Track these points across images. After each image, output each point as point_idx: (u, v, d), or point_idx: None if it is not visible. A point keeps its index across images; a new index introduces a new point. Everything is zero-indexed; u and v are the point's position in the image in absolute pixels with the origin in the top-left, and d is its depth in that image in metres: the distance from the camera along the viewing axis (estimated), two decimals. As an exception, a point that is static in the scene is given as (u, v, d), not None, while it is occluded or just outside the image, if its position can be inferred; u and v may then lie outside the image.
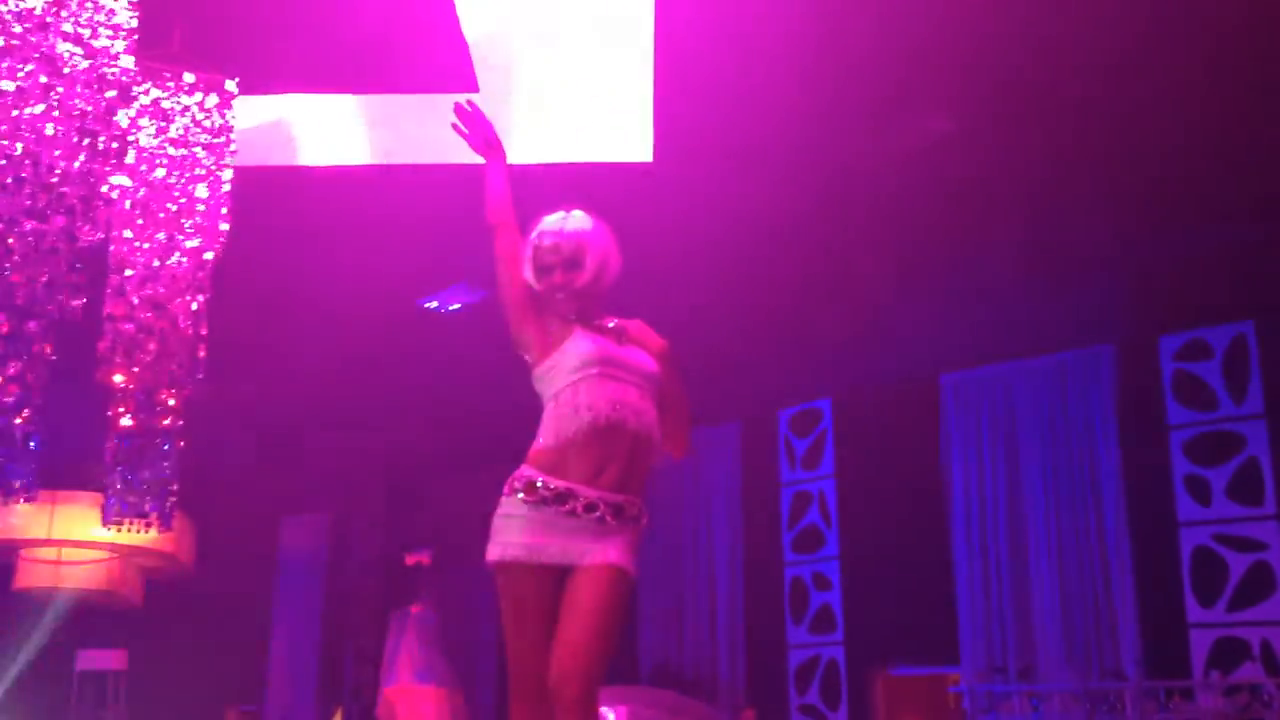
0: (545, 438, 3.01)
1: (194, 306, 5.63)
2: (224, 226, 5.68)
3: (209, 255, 5.65)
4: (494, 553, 2.96)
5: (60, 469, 8.39)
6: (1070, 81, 7.11)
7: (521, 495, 2.94)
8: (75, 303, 4.34)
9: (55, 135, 4.26)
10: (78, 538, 10.15)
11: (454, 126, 3.39)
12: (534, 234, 3.31)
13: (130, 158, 5.45)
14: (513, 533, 2.94)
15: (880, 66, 6.92)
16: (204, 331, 5.69)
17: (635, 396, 3.05)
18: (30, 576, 11.21)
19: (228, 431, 11.93)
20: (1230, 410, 9.99)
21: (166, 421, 5.55)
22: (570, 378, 3.06)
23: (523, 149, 6.80)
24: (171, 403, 5.55)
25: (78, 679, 10.54)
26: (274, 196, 7.34)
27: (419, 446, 13.54)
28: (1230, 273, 9.42)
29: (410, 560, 12.24)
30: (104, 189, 4.73)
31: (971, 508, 11.25)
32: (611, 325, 3.23)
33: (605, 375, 3.06)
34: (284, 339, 10.58)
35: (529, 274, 3.25)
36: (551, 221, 3.30)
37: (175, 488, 5.73)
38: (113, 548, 10.79)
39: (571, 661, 2.81)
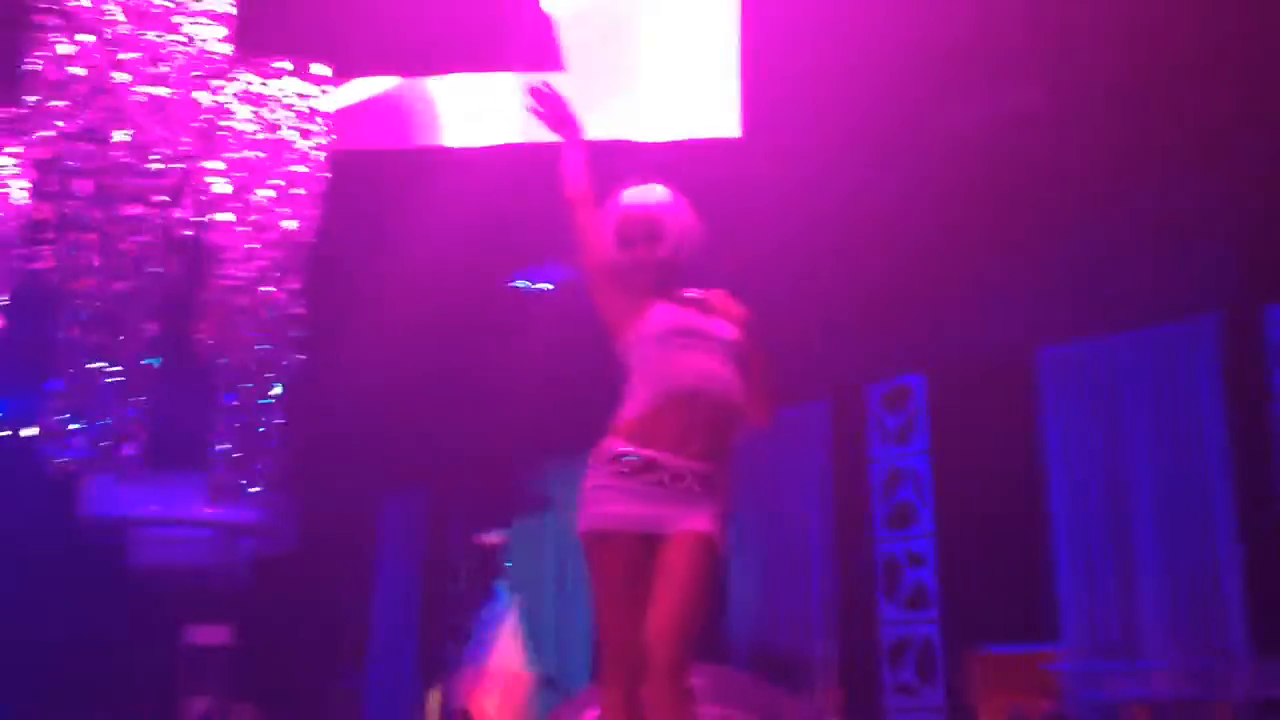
0: (630, 408, 3.02)
1: (291, 287, 5.75)
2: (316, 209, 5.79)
3: (298, 231, 5.75)
4: (583, 524, 2.98)
5: (167, 447, 8.65)
6: (1170, 50, 6.92)
7: (609, 466, 2.95)
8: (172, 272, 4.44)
9: (155, 120, 4.38)
10: (185, 515, 10.48)
11: (529, 108, 3.42)
12: (616, 206, 3.33)
13: (228, 142, 5.58)
14: (601, 503, 2.95)
15: (976, 37, 6.82)
16: (300, 311, 5.81)
17: (717, 365, 3.06)
18: (141, 553, 11.61)
19: (330, 411, 12.19)
20: (1338, 380, 9.66)
21: (266, 400, 5.69)
22: (652, 348, 3.07)
23: (611, 125, 6.83)
24: (272, 382, 5.69)
25: (185, 653, 10.88)
26: (369, 179, 7.48)
27: (517, 426, 13.69)
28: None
29: (484, 542, 12.29)
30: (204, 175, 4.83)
31: (1072, 483, 11.03)
32: (692, 296, 3.23)
33: (686, 345, 3.07)
34: (383, 320, 10.75)
35: (611, 247, 3.27)
36: (633, 194, 3.32)
37: (275, 465, 5.87)
38: (218, 525, 11.12)
39: (666, 628, 2.83)
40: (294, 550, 13.32)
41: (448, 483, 15.85)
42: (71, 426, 4.85)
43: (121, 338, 4.90)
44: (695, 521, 2.96)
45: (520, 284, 10.81)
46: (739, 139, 6.99)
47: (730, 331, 3.19)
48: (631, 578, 2.94)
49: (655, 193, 3.32)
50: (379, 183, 7.74)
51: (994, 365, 11.46)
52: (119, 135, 4.74)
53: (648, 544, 2.95)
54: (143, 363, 4.70)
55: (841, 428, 12.96)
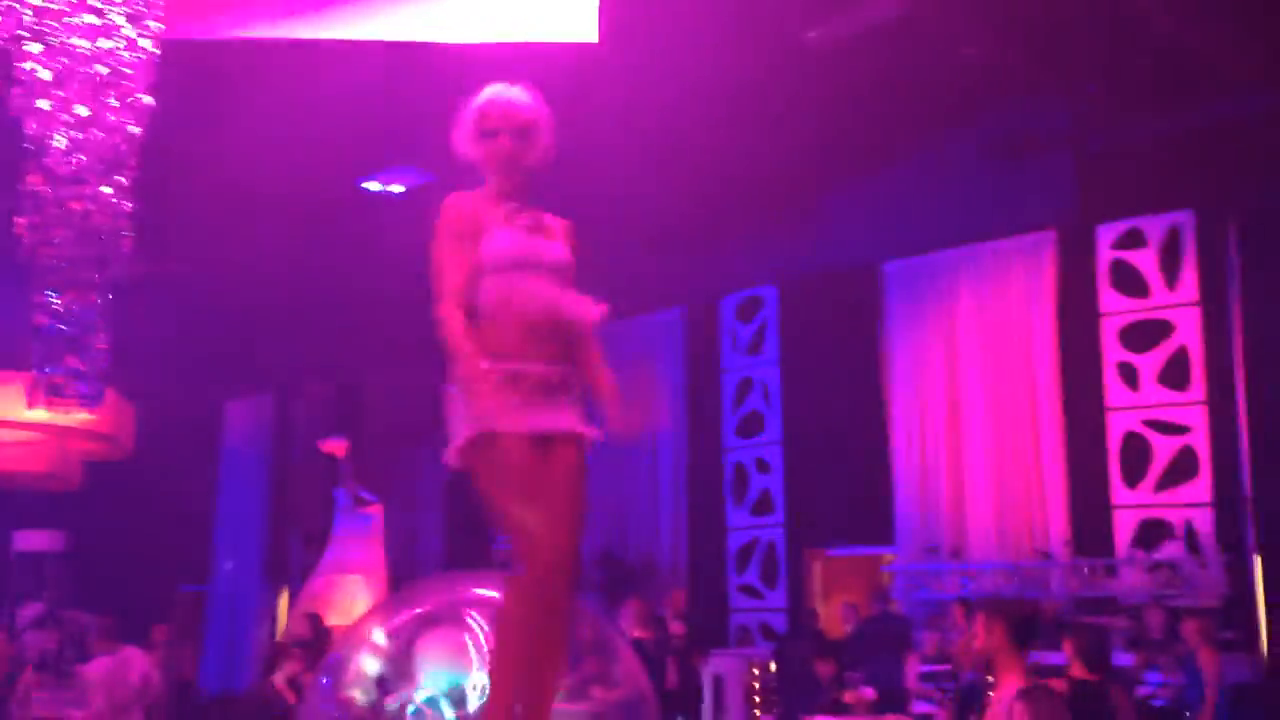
0: (484, 331, 2.99)
1: (119, 181, 5.47)
2: (147, 99, 5.49)
3: (134, 129, 5.47)
4: (469, 429, 2.94)
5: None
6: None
7: (482, 382, 2.93)
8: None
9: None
10: (9, 418, 9.99)
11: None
12: (480, 100, 3.19)
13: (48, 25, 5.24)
14: (483, 410, 2.93)
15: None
16: (129, 208, 5.54)
17: (557, 290, 3.06)
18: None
19: (167, 314, 11.76)
20: (1163, 298, 10.15)
21: (93, 301, 5.44)
22: (498, 278, 3.03)
23: (468, 28, 6.64)
24: (97, 281, 5.44)
25: (15, 560, 10.50)
26: (209, 71, 7.14)
27: (362, 332, 13.45)
28: (1170, 162, 9.49)
29: (325, 447, 12.08)
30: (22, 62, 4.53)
31: (911, 393, 11.42)
32: (526, 216, 3.16)
33: (529, 274, 3.05)
34: (225, 221, 10.38)
35: (468, 143, 3.14)
36: (501, 89, 3.19)
37: (103, 368, 5.64)
38: (46, 429, 10.65)
39: (571, 533, 2.95)
40: (132, 455, 12.88)
41: (294, 388, 15.54)
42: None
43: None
44: (571, 423, 3.05)
45: (371, 186, 10.51)
46: (597, 45, 6.85)
47: (565, 254, 3.16)
48: (525, 472, 2.98)
49: (524, 94, 3.20)
50: (220, 75, 7.39)
51: (841, 278, 11.71)
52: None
53: (531, 444, 2.99)
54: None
55: (695, 338, 13.11)
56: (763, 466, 12.43)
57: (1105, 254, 10.44)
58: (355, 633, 4.63)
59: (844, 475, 11.61)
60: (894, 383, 11.54)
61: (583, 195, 10.21)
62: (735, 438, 12.67)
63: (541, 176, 3.20)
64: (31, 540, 10.23)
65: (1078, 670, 5.27)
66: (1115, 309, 10.36)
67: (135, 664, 7.82)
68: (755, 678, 9.80)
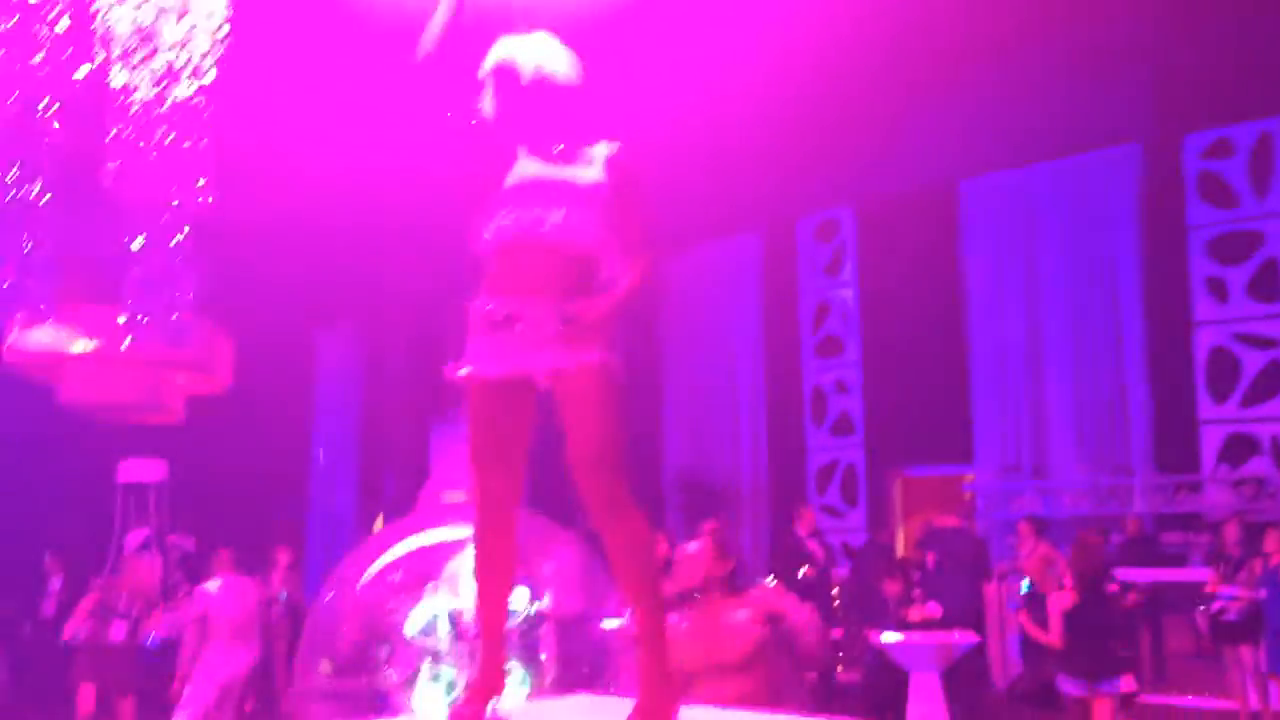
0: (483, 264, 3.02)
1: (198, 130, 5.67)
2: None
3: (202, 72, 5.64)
4: (456, 372, 3.00)
5: (91, 288, 8.57)
6: None
7: (476, 321, 2.97)
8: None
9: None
10: (116, 352, 10.42)
11: None
12: (492, 54, 3.20)
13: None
14: (471, 355, 2.98)
15: None
16: (206, 144, 5.72)
17: (551, 213, 2.96)
18: (71, 390, 11.55)
19: (255, 248, 12.07)
20: (1252, 209, 9.88)
21: (178, 238, 5.68)
22: (495, 205, 3.02)
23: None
24: (180, 222, 5.66)
25: (121, 490, 10.99)
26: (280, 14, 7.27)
27: (450, 260, 13.63)
28: (1257, 69, 9.18)
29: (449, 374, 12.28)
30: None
31: (989, 311, 11.32)
32: (557, 148, 3.09)
33: (522, 198, 2.99)
34: (312, 159, 10.57)
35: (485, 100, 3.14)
36: (504, 43, 3.16)
37: (189, 304, 5.89)
38: (147, 361, 11.08)
39: (585, 464, 2.89)
40: (230, 387, 13.33)
41: (383, 317, 15.86)
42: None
43: (28, 183, 4.84)
44: (573, 357, 2.94)
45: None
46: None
47: (584, 177, 3.08)
48: (502, 425, 3.02)
49: (525, 44, 3.15)
50: (297, 23, 7.52)
51: (918, 198, 11.58)
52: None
53: (521, 389, 3.00)
54: (41, 201, 4.66)
55: (772, 260, 13.10)
56: (841, 388, 12.45)
57: (1192, 165, 10.18)
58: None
59: (923, 395, 11.58)
60: (972, 301, 11.44)
61: (653, 124, 10.27)
62: (814, 359, 12.70)
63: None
64: (136, 470, 10.70)
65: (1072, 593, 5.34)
66: (1203, 221, 10.12)
67: (252, 591, 8.21)
68: (834, 597, 9.92)
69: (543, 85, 3.07)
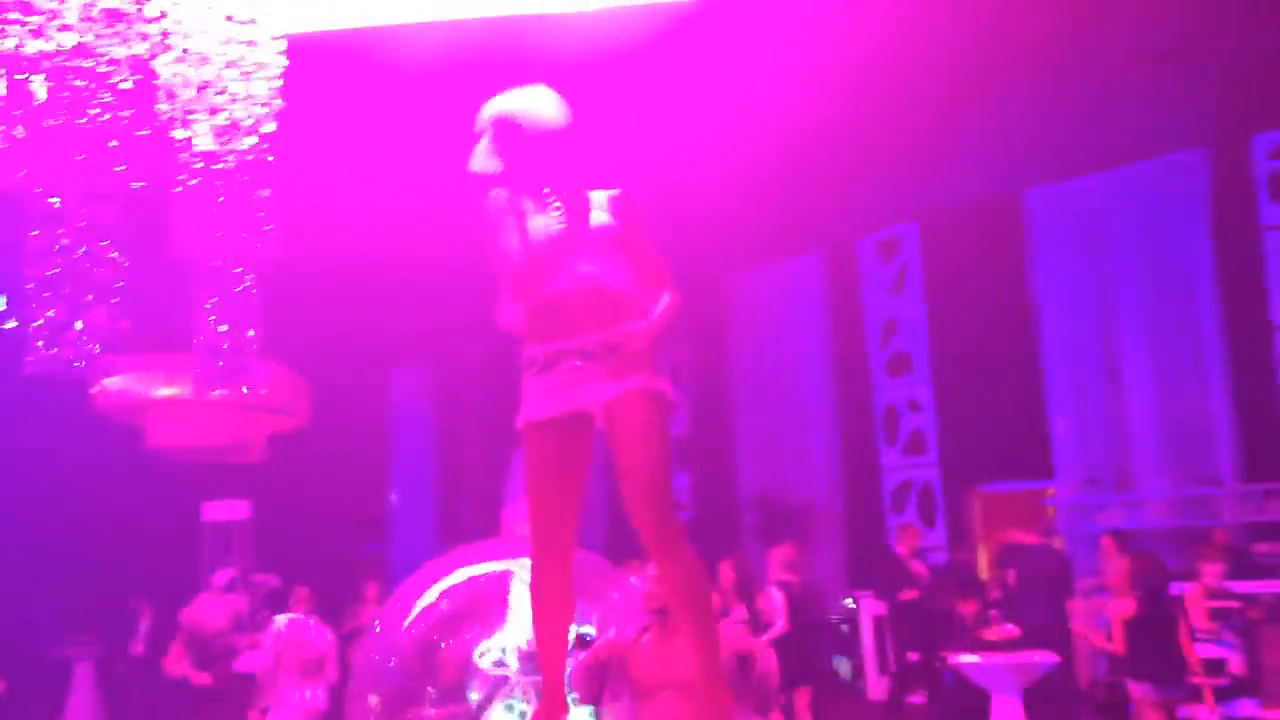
0: (524, 315, 3.10)
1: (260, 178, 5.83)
2: (275, 101, 5.81)
3: (262, 122, 5.79)
4: (518, 421, 3.08)
5: (171, 336, 8.82)
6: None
7: (527, 370, 3.06)
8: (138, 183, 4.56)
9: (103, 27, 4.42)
10: (195, 398, 10.74)
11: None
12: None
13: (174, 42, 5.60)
14: (529, 400, 3.05)
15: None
16: (267, 199, 5.89)
17: (578, 266, 3.03)
18: (157, 434, 11.93)
19: (331, 291, 12.32)
20: (1327, 207, 9.66)
21: (242, 285, 5.84)
22: (525, 262, 3.06)
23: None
24: (246, 271, 5.83)
25: (206, 530, 11.27)
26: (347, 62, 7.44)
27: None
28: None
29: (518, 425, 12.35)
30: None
31: (1062, 322, 11.16)
32: (554, 203, 3.13)
33: (551, 256, 3.05)
34: (379, 199, 10.78)
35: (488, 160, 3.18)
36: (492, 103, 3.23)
37: (255, 349, 6.05)
38: (227, 405, 11.38)
39: (637, 494, 2.95)
40: (308, 425, 13.63)
41: (453, 354, 16.08)
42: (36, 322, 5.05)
43: (100, 238, 5.03)
44: (621, 385, 3.01)
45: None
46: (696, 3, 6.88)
47: (599, 223, 3.13)
48: (559, 464, 3.07)
49: (506, 101, 3.21)
50: (349, 67, 7.69)
51: (983, 209, 11.46)
52: (73, 39, 4.77)
53: (576, 427, 3.06)
54: (111, 255, 4.85)
55: (836, 280, 13.05)
56: (913, 405, 12.34)
57: (1263, 165, 9.97)
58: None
59: (997, 410, 11.42)
60: (1044, 312, 11.28)
61: (710, 147, 10.29)
62: (883, 378, 12.60)
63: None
64: (219, 511, 10.98)
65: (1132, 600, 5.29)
66: (1276, 221, 9.90)
67: (322, 630, 8.11)
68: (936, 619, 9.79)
69: (543, 135, 3.12)
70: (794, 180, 11.48)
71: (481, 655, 4.58)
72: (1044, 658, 7.03)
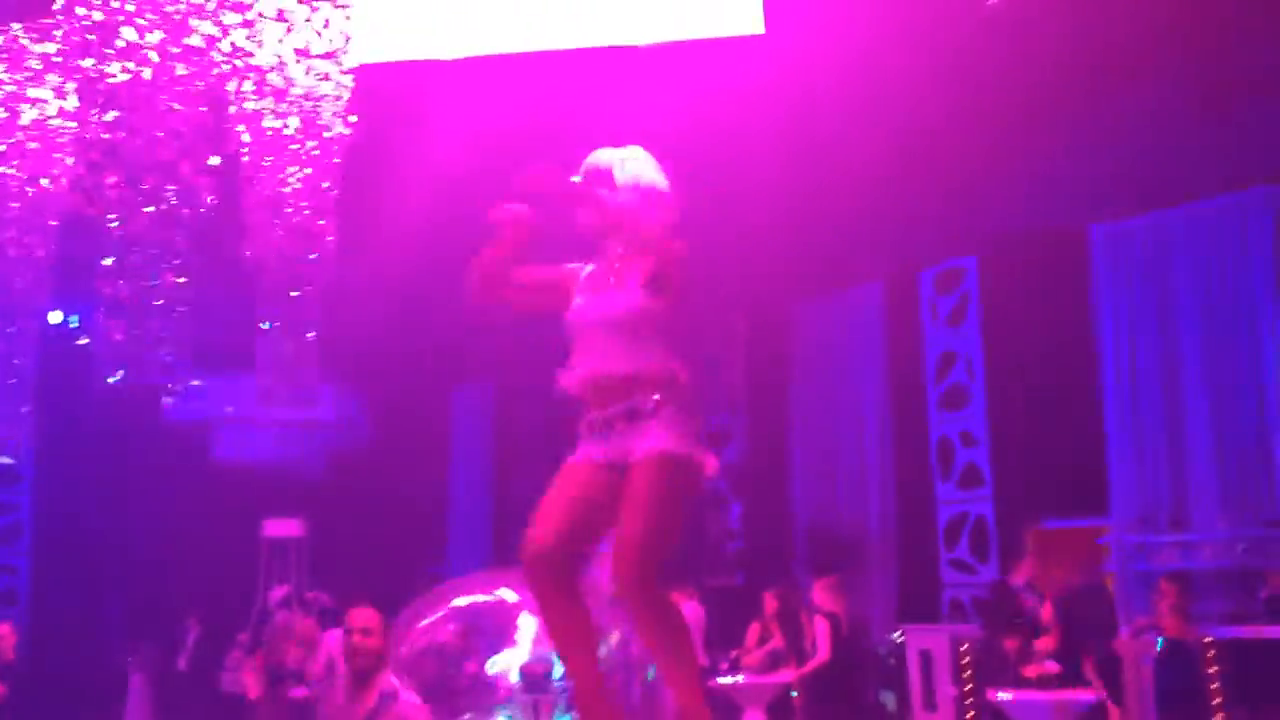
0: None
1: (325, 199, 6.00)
2: (345, 129, 6.00)
3: (328, 142, 5.99)
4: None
5: (231, 353, 9.06)
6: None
7: (580, 425, 3.31)
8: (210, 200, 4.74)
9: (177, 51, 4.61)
10: (262, 413, 11.03)
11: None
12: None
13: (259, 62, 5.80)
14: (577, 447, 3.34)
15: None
16: (330, 222, 6.07)
17: (606, 349, 3.23)
18: (222, 448, 12.23)
19: (393, 311, 12.54)
20: (1397, 247, 9.50)
21: (306, 306, 6.02)
22: (571, 333, 3.38)
23: (633, 29, 6.90)
24: (307, 291, 6.00)
25: (265, 545, 11.52)
26: (405, 89, 7.63)
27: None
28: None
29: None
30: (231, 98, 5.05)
31: (1122, 359, 11.04)
32: (615, 262, 3.34)
33: (586, 335, 3.30)
34: (439, 219, 10.97)
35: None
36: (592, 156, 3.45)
37: (318, 367, 6.22)
38: (294, 421, 11.66)
39: (623, 546, 3.08)
40: (369, 443, 13.87)
41: (515, 374, 16.24)
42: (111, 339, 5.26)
43: (169, 260, 5.23)
44: (645, 446, 3.16)
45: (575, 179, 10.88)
46: (763, 35, 6.99)
47: (629, 302, 3.28)
48: (578, 493, 3.23)
49: (600, 158, 3.41)
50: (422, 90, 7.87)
51: (1045, 244, 11.38)
52: (151, 57, 4.97)
53: (608, 475, 3.22)
54: (178, 279, 5.04)
55: (894, 311, 13.03)
56: (968, 440, 12.26)
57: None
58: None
59: (1054, 446, 11.32)
60: (1104, 350, 11.17)
61: (770, 179, 10.37)
62: (939, 411, 12.54)
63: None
64: (279, 528, 11.22)
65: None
66: (1344, 261, 9.76)
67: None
68: (962, 653, 9.74)
69: (623, 208, 3.30)
70: (858, 210, 11.51)
71: (488, 671, 4.70)
72: (1083, 695, 6.97)
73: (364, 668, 4.06)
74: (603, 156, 3.41)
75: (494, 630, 4.69)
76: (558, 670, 4.43)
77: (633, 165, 3.39)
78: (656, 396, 3.22)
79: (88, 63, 5.34)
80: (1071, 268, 11.29)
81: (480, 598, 4.75)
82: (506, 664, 4.63)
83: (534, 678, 4.50)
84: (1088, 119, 10.39)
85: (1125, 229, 11.12)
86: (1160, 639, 7.02)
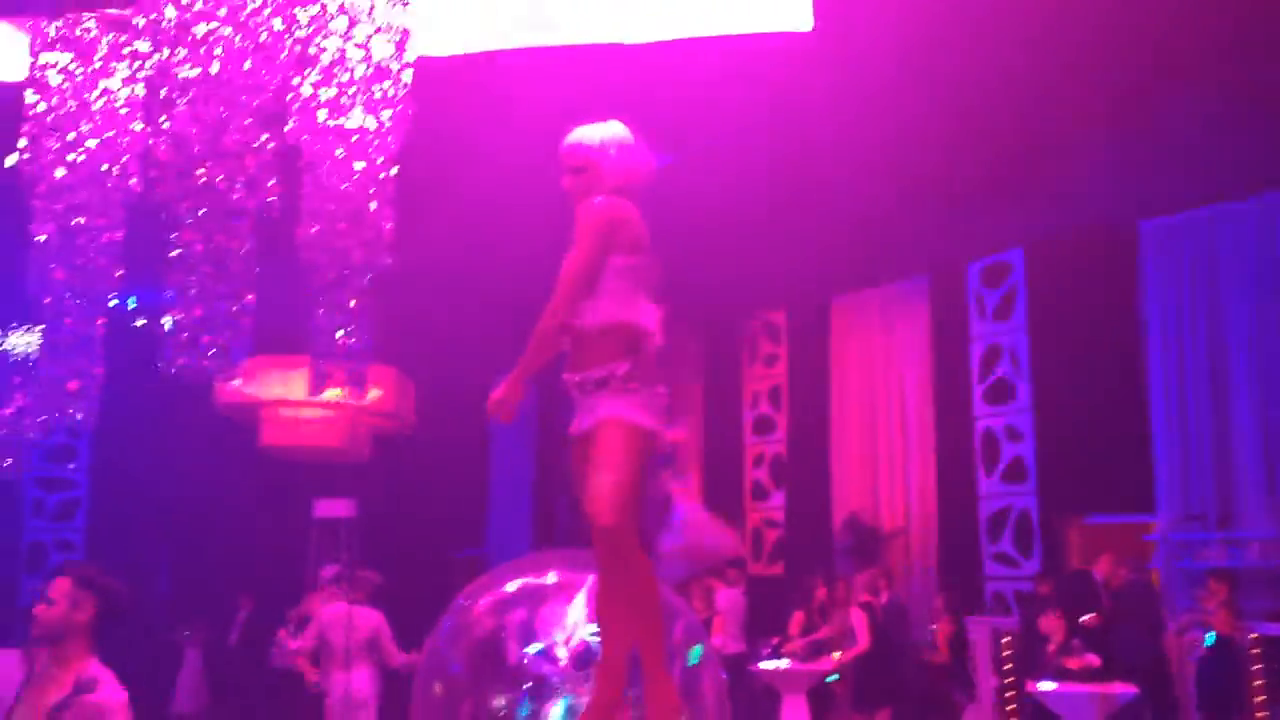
0: None
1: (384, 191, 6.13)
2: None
3: (388, 135, 6.11)
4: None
5: (285, 339, 9.23)
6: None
7: None
8: (271, 199, 4.88)
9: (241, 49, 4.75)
10: (306, 399, 11.20)
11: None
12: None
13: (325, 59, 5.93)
14: None
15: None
16: (390, 213, 6.20)
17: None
18: (272, 434, 12.42)
19: (438, 299, 12.70)
20: None
21: (357, 293, 6.16)
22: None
23: (683, 23, 6.97)
24: (363, 282, 6.13)
25: (315, 526, 11.73)
26: (458, 82, 7.74)
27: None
28: None
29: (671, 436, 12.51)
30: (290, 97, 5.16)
31: (1169, 355, 11.00)
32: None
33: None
34: (485, 211, 11.12)
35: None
36: (573, 133, 3.66)
37: (365, 354, 6.37)
38: (339, 407, 11.82)
39: (589, 500, 3.38)
40: (414, 429, 14.06)
41: (556, 359, 16.36)
42: (167, 322, 5.42)
43: (228, 248, 5.37)
44: (598, 413, 3.47)
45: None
46: (811, 30, 7.03)
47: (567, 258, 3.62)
48: (578, 473, 3.55)
49: (590, 134, 3.67)
50: (468, 86, 7.97)
51: (1093, 239, 11.35)
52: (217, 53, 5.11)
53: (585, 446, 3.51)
54: (239, 266, 5.19)
55: (941, 304, 13.02)
56: (1013, 434, 12.24)
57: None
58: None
59: (1099, 442, 11.30)
60: (1151, 345, 11.14)
61: (820, 172, 10.39)
62: (983, 405, 12.53)
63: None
64: (330, 508, 11.40)
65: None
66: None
67: (368, 619, 8.29)
68: (1004, 646, 9.78)
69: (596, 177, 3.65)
70: (906, 203, 11.51)
71: (539, 651, 4.78)
72: (1124, 689, 7.00)
73: (41, 638, 3.82)
74: (582, 130, 3.64)
75: (548, 612, 4.80)
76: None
77: (600, 131, 3.61)
78: (616, 365, 3.45)
79: (158, 53, 5.48)
80: (1120, 263, 11.26)
81: (533, 580, 4.85)
82: (559, 641, 4.73)
83: (585, 657, 4.60)
84: (1138, 115, 10.32)
85: (1174, 225, 11.07)
86: (1209, 635, 7.01)
